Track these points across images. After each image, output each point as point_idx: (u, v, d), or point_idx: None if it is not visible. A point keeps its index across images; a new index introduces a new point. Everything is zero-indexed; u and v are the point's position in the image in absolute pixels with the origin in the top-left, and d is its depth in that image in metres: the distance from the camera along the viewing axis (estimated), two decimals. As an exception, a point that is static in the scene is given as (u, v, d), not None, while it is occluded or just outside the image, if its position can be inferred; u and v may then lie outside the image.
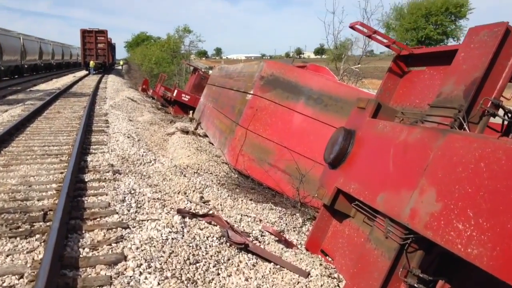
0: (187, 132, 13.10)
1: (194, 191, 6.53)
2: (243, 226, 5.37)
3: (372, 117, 4.85)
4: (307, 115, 7.41)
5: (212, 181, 7.63)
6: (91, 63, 41.08)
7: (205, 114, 14.33)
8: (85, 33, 43.90)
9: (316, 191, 5.18)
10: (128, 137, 9.57)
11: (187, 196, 6.41)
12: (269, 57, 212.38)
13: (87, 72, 41.56)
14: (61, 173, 6.25)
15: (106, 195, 5.30)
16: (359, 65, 10.35)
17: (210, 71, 38.67)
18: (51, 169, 6.50)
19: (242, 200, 6.58)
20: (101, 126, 10.82)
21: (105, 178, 6.01)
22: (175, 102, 22.44)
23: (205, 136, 13.91)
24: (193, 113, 19.95)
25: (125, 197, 5.24)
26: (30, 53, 36.92)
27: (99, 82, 29.69)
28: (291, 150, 7.43)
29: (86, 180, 5.93)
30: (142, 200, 5.30)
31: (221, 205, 6.22)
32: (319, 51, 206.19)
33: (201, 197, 6.18)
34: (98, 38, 44.16)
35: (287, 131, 7.59)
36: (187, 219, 4.93)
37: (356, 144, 4.88)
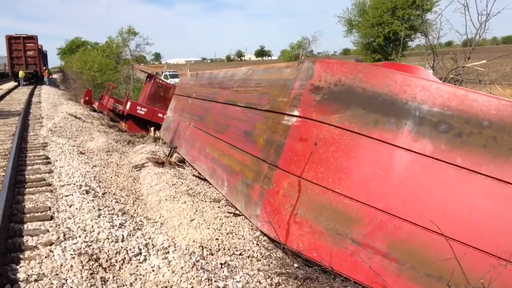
0: (162, 164, 9.55)
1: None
2: None
3: None
4: (420, 153, 4.16)
5: (260, 282, 4.21)
6: (21, 73, 35.73)
7: (182, 136, 10.75)
8: (11, 40, 38.41)
9: None
10: (87, 193, 5.89)
11: None
12: (209, 61, 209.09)
13: (16, 83, 36.22)
14: None
15: None
16: (484, 62, 7.16)
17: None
18: None
19: None
20: (40, 171, 7.03)
21: None
22: (128, 116, 18.56)
23: (181, 162, 10.49)
24: (155, 130, 16.24)
25: None
26: None
27: (31, 95, 25.02)
28: (397, 217, 4.15)
29: None
30: None
31: None
32: (260, 53, 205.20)
33: None
34: (27, 45, 38.79)
35: (382, 182, 4.30)
36: None
37: None
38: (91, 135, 13.09)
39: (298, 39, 43.46)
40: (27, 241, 4.18)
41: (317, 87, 4.98)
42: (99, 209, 5.21)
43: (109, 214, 5.17)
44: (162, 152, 11.12)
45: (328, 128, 4.70)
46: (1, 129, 12.05)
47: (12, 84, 36.34)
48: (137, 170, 9.39)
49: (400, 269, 4.08)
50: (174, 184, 7.71)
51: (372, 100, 4.49)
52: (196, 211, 6.08)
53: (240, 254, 4.93)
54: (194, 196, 7.36)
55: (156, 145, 12.83)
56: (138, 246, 4.27)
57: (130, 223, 5.12)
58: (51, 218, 4.81)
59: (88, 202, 5.36)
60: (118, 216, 5.22)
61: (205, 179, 8.84)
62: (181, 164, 10.41)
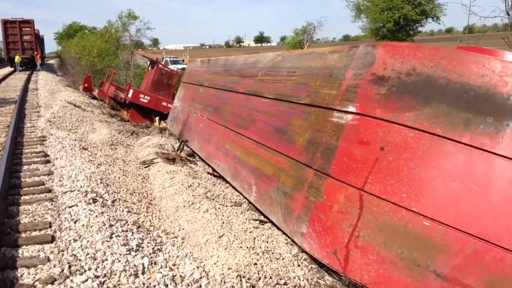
0: (173, 160, 8.62)
1: None
2: None
3: None
4: (530, 165, 3.22)
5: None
6: (17, 58, 34.54)
7: (194, 129, 9.78)
8: (7, 24, 37.15)
9: None
10: (94, 201, 4.94)
11: None
12: (208, 47, 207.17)
13: (12, 69, 35.04)
14: None
15: None
16: None
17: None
18: None
19: None
20: (38, 173, 6.07)
21: None
22: (130, 104, 17.56)
23: (190, 155, 9.61)
24: (160, 120, 15.28)
25: None
26: None
27: (27, 81, 23.96)
28: (498, 246, 3.22)
29: None
30: None
31: None
32: (259, 39, 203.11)
33: None
34: (23, 29, 37.51)
35: (477, 200, 3.35)
36: None
37: None
38: (92, 126, 12.13)
39: (303, 25, 42.20)
40: (21, 275, 3.23)
41: (381, 77, 4.01)
42: (110, 225, 4.27)
43: (122, 231, 4.23)
44: (170, 145, 10.21)
45: (399, 129, 3.74)
46: (-5, 119, 11.06)
47: (8, 69, 35.18)
48: (145, 167, 8.47)
49: (504, 316, 3.16)
50: (190, 185, 6.80)
51: (460, 94, 3.52)
52: (223, 223, 5.15)
53: (285, 284, 4.00)
54: (213, 200, 6.48)
55: (162, 137, 11.92)
56: (164, 281, 3.33)
57: (148, 243, 4.19)
58: (52, 239, 3.86)
59: (96, 216, 4.41)
60: (133, 234, 4.28)
61: (219, 176, 7.96)
62: (192, 159, 9.50)
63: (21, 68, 34.61)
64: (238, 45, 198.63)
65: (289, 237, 4.78)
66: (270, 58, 6.91)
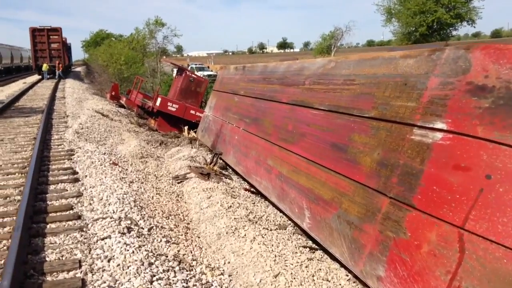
0: (207, 175, 7.98)
1: None
2: None
3: None
4: None
5: None
6: (44, 66, 34.57)
7: (229, 141, 9.11)
8: (35, 32, 37.34)
9: None
10: (129, 230, 4.29)
11: None
12: (231, 53, 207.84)
13: (40, 76, 35.13)
14: None
15: None
16: None
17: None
18: None
19: None
20: (66, 194, 5.46)
21: None
22: (158, 113, 17.04)
23: (223, 168, 9.01)
24: (189, 129, 14.69)
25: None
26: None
27: (55, 89, 23.75)
28: None
29: None
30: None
31: None
32: (282, 45, 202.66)
33: None
34: (51, 37, 37.63)
35: None
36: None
37: None
38: (121, 136, 11.61)
39: (330, 30, 41.43)
40: None
41: (481, 87, 3.25)
42: (149, 264, 3.60)
43: (163, 271, 3.55)
44: (202, 157, 9.58)
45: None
46: (22, 130, 10.60)
47: (35, 77, 35.31)
48: (178, 183, 7.84)
49: None
50: (230, 206, 6.15)
51: None
52: (275, 256, 4.44)
53: None
54: (256, 223, 5.81)
55: (192, 148, 11.31)
56: None
57: (194, 286, 3.50)
58: (83, 286, 3.20)
59: (133, 252, 3.74)
60: (175, 274, 3.60)
61: (257, 192, 7.33)
62: (226, 173, 8.86)
63: (48, 76, 34.64)
64: (261, 51, 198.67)
65: (358, 278, 4.03)
66: (319, 64, 6.20)
